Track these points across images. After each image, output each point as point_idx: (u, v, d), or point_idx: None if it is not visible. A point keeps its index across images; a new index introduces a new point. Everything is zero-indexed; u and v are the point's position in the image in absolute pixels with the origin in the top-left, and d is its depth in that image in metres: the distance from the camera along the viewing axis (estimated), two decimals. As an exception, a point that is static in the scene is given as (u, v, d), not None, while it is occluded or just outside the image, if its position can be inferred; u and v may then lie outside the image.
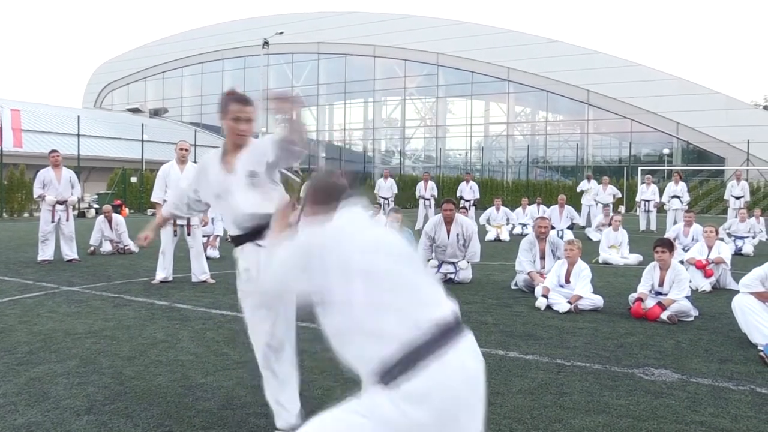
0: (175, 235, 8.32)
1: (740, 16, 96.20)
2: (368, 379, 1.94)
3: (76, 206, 16.75)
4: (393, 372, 1.85)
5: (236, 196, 3.22)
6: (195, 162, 8.73)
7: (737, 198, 17.93)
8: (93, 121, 38.82)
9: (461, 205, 16.40)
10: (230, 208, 3.28)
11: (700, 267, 8.25)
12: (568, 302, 6.54)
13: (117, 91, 57.87)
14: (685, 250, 9.71)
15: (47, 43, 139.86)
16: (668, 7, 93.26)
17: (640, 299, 6.36)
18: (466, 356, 1.98)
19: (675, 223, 14.87)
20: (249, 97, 3.31)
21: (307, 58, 48.47)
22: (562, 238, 10.01)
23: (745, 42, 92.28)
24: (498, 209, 16.11)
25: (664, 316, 6.05)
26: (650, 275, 6.58)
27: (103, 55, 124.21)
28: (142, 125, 30.31)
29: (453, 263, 8.45)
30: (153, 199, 8.47)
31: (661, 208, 18.06)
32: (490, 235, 14.83)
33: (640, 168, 27.96)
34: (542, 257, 7.83)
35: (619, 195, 19.55)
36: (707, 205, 27.83)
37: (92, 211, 23.10)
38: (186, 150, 8.41)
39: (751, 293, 5.25)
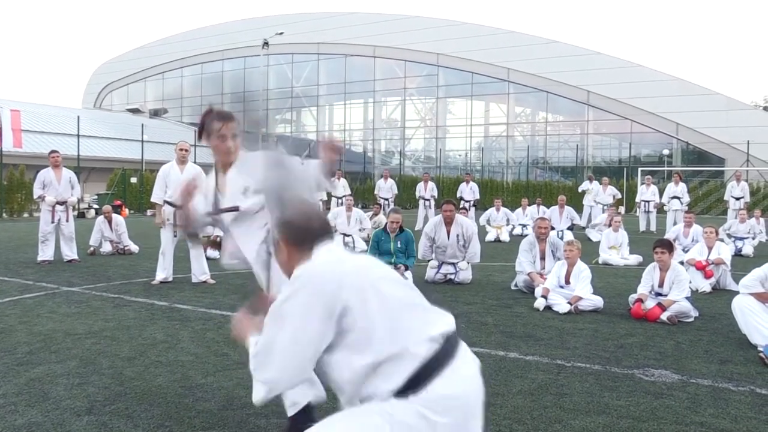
0: (175, 236, 8.32)
1: (740, 16, 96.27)
2: (382, 398, 1.93)
3: (76, 207, 16.74)
4: (413, 387, 1.89)
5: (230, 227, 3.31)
6: (195, 163, 8.74)
7: (737, 199, 17.93)
8: (93, 122, 38.82)
9: (461, 206, 16.41)
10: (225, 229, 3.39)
11: (700, 268, 8.25)
12: (568, 303, 6.54)
13: (117, 91, 57.87)
14: (685, 250, 9.70)
15: (47, 44, 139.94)
16: (668, 8, 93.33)
17: (640, 300, 6.36)
18: (469, 362, 2.05)
19: (675, 223, 14.87)
20: (229, 112, 3.32)
21: (307, 59, 48.48)
22: (562, 238, 10.01)
23: (745, 43, 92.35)
24: (498, 210, 16.12)
25: (664, 316, 6.05)
26: (650, 276, 6.58)
27: (103, 56, 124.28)
28: (142, 125, 30.31)
29: (453, 264, 8.45)
30: (153, 199, 8.48)
31: (661, 209, 18.07)
32: (490, 236, 14.83)
33: (640, 169, 27.96)
34: (542, 258, 7.84)
35: (619, 196, 19.56)
36: (707, 206, 27.83)
37: (92, 212, 23.10)
38: (186, 150, 8.41)
39: (751, 294, 5.25)
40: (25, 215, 22.41)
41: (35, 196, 10.23)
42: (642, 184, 18.97)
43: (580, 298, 6.59)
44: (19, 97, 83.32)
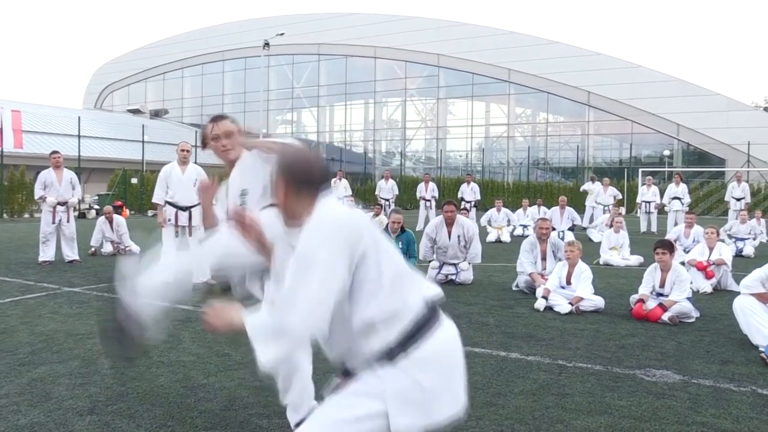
0: (177, 236, 8.32)
1: (741, 17, 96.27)
2: (372, 362, 1.97)
3: (77, 207, 16.76)
4: (405, 345, 1.96)
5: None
6: (196, 163, 8.75)
7: (738, 199, 17.93)
8: (93, 122, 38.86)
9: (462, 207, 16.41)
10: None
11: (701, 268, 8.25)
12: (570, 303, 6.55)
13: (117, 92, 57.92)
14: (686, 251, 9.71)
15: (48, 44, 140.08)
16: (669, 9, 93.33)
17: (641, 300, 6.36)
18: (452, 326, 2.12)
19: (676, 224, 14.88)
20: (224, 114, 3.36)
21: (308, 59, 48.50)
22: (562, 239, 10.01)
23: (746, 43, 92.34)
24: (499, 210, 16.13)
25: (665, 317, 6.05)
26: (651, 276, 6.58)
27: (104, 56, 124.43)
28: (143, 126, 30.32)
29: (454, 264, 8.45)
30: (154, 200, 8.49)
31: (661, 210, 18.07)
32: (491, 237, 14.83)
33: (640, 169, 27.96)
34: (543, 258, 7.84)
35: (620, 196, 19.55)
36: (708, 206, 27.82)
37: (92, 212, 23.11)
38: (187, 151, 8.42)
39: (752, 294, 5.25)
40: (26, 216, 22.41)
41: (36, 197, 10.23)
42: (643, 184, 18.97)
43: (582, 299, 6.59)
44: (20, 98, 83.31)
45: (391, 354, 1.95)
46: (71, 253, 10.15)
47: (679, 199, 17.16)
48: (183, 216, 8.25)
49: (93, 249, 11.40)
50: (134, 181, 26.97)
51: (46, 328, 5.54)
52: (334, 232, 1.93)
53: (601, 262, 10.67)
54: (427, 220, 15.95)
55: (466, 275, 8.40)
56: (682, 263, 7.50)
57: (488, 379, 4.23)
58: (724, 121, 35.04)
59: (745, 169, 27.37)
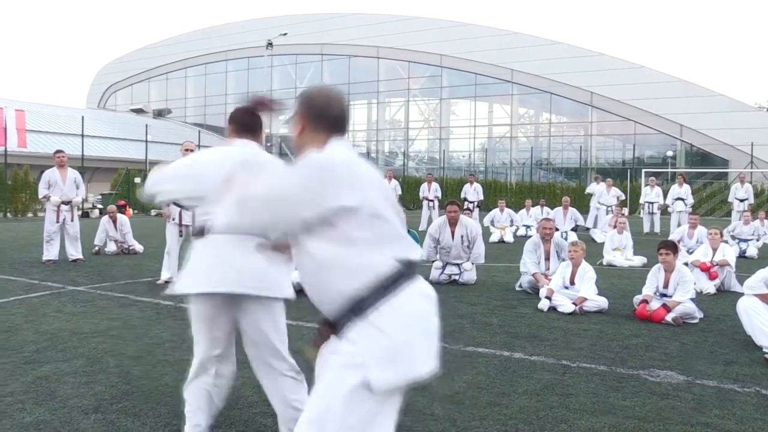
0: (181, 235, 8.33)
1: (744, 18, 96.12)
2: (341, 316, 1.97)
3: (80, 206, 16.79)
4: (375, 297, 1.94)
5: None
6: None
7: (741, 200, 17.89)
8: (97, 122, 38.96)
9: (465, 207, 16.41)
10: None
11: (705, 269, 8.25)
12: (573, 304, 6.55)
13: (121, 91, 57.99)
14: (690, 252, 9.70)
15: (51, 44, 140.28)
16: (672, 9, 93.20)
17: (644, 301, 6.36)
18: (426, 284, 2.10)
19: (679, 225, 14.87)
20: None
21: (311, 59, 48.49)
22: (566, 239, 10.01)
23: (749, 44, 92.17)
24: (502, 211, 16.12)
25: (668, 318, 6.05)
26: (655, 277, 6.58)
27: (107, 56, 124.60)
28: (146, 126, 30.33)
29: (457, 264, 8.45)
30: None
31: (665, 211, 18.05)
32: (494, 237, 14.83)
33: (643, 170, 27.88)
34: (547, 258, 7.84)
35: (623, 197, 19.52)
36: (711, 207, 27.76)
37: (96, 212, 23.16)
38: (191, 150, 8.41)
39: (756, 295, 5.25)
40: (30, 215, 22.47)
41: (40, 196, 10.27)
42: (646, 185, 18.95)
43: (585, 299, 6.60)
44: (24, 97, 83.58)
45: (361, 305, 1.93)
46: (75, 252, 10.17)
47: (682, 199, 17.14)
48: (187, 215, 8.26)
49: (96, 248, 11.43)
50: (137, 180, 27.01)
51: (50, 327, 5.56)
52: (321, 170, 1.94)
53: (604, 263, 10.67)
54: (430, 220, 15.99)
55: (470, 275, 8.40)
56: (686, 264, 7.50)
57: (492, 379, 4.24)
58: (727, 121, 34.96)
59: (748, 170, 27.24)
